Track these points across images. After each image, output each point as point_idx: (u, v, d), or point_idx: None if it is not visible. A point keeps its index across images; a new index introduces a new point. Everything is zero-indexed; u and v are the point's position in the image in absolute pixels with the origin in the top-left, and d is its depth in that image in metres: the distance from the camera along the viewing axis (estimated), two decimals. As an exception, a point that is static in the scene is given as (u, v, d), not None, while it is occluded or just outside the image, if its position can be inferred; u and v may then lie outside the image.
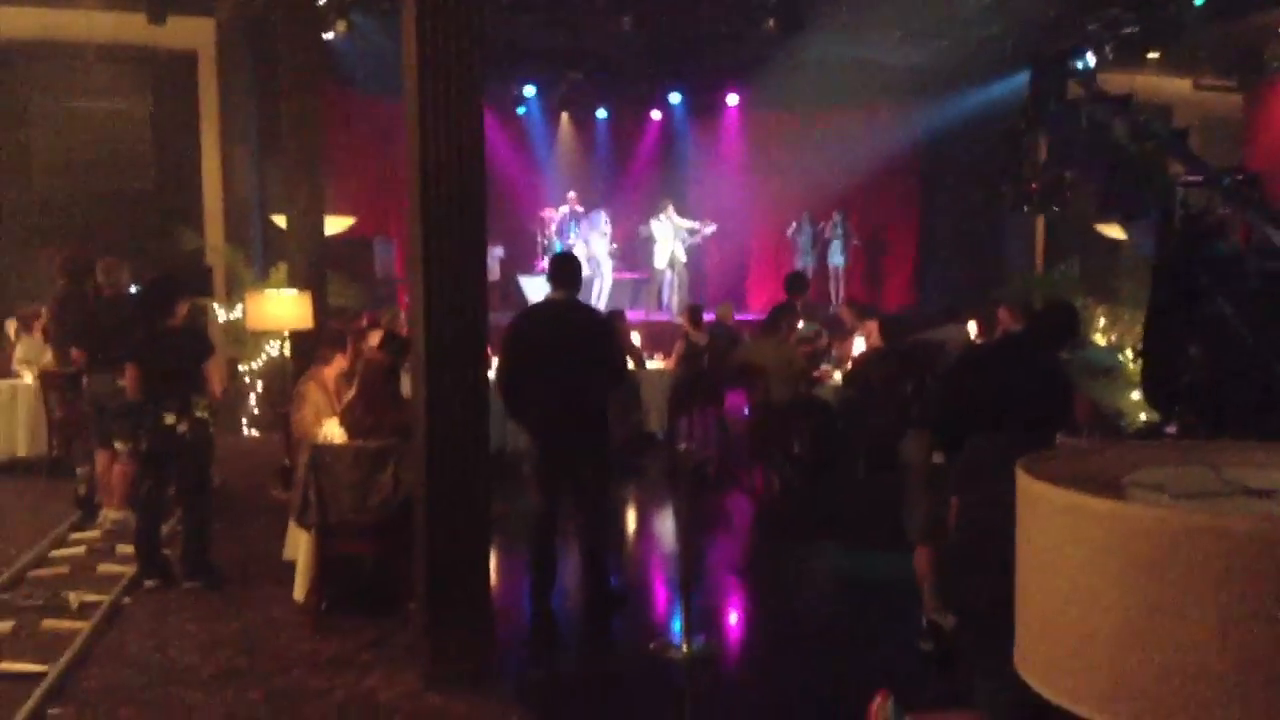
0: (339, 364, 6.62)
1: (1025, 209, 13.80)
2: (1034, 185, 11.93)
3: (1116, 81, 15.77)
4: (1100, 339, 8.16)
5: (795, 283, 10.92)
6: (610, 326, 6.24)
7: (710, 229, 16.63)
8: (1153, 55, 14.29)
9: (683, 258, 16.54)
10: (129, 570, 6.43)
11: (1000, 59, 14.55)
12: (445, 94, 4.79)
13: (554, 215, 17.41)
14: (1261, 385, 4.47)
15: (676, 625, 5.76)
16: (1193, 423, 4.27)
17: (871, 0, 12.73)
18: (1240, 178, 5.18)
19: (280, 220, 11.46)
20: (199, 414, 6.29)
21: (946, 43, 14.24)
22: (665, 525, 8.29)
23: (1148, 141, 7.18)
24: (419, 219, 4.82)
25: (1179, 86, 16.50)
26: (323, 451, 5.62)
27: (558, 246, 17.26)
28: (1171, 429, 4.42)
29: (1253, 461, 1.41)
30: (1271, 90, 15.35)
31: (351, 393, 6.04)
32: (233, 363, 11.76)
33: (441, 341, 4.83)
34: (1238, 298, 4.39)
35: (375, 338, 7.40)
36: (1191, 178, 5.14)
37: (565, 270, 6.13)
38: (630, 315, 15.11)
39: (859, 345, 10.27)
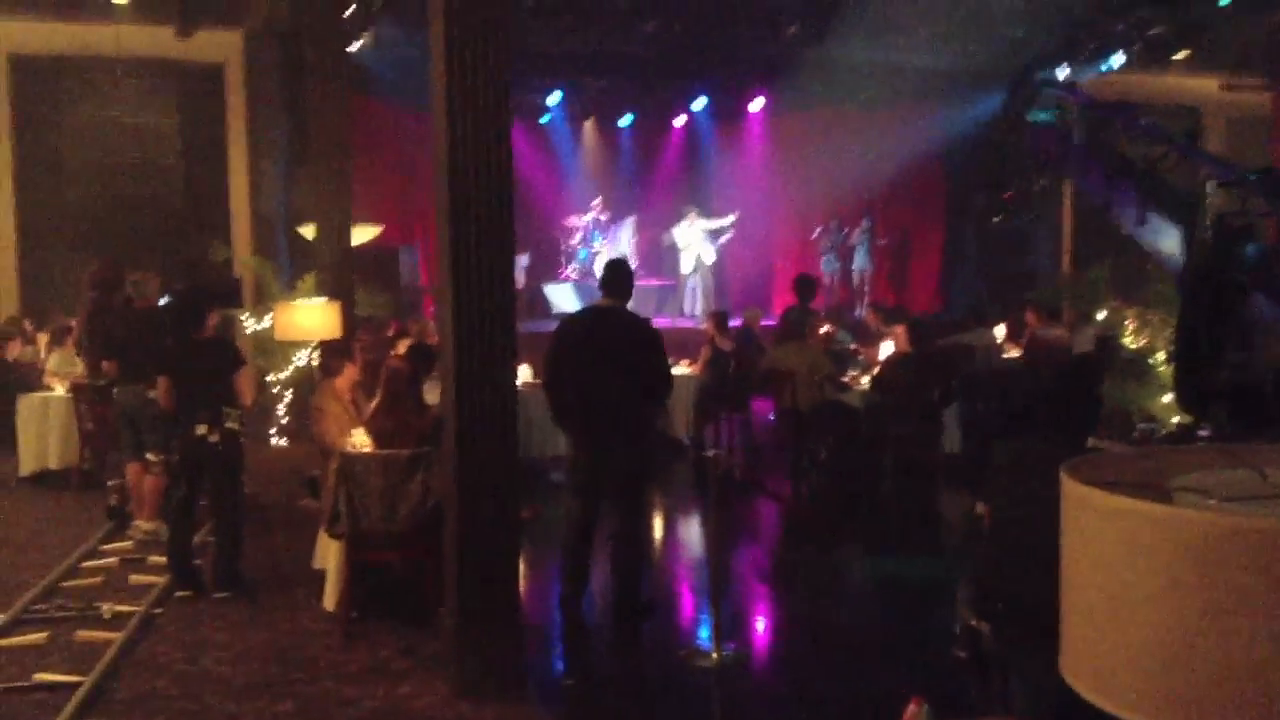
0: (349, 374, 6.64)
1: (996, 218, 13.86)
2: (1008, 194, 11.95)
3: (1144, 82, 15.75)
4: (1130, 342, 8.09)
5: (804, 286, 10.94)
6: (657, 336, 6.19)
7: (732, 218, 16.61)
8: (1180, 55, 14.18)
9: (709, 261, 16.51)
10: (161, 581, 6.47)
11: (1030, 60, 14.48)
12: (474, 103, 4.80)
13: (579, 224, 17.43)
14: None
15: (706, 632, 5.73)
16: (1227, 424, 4.21)
17: (897, 2, 12.70)
18: (1269, 175, 5.12)
19: (307, 231, 11.53)
20: (230, 425, 6.31)
21: (973, 45, 14.17)
22: (693, 532, 8.27)
23: (1157, 146, 7.15)
24: (448, 228, 4.83)
25: (1207, 86, 16.38)
26: (352, 460, 5.63)
27: (582, 255, 17.30)
28: (1205, 431, 4.37)
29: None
30: (1301, 88, 15.18)
31: (375, 401, 6.05)
32: (261, 373, 11.83)
33: (471, 349, 4.84)
34: (1274, 298, 4.35)
35: (403, 346, 7.42)
36: (1217, 177, 5.08)
37: (617, 277, 6.13)
38: (656, 322, 15.11)
39: (885, 349, 10.22)
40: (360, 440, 6.02)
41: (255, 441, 11.05)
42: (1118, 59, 13.83)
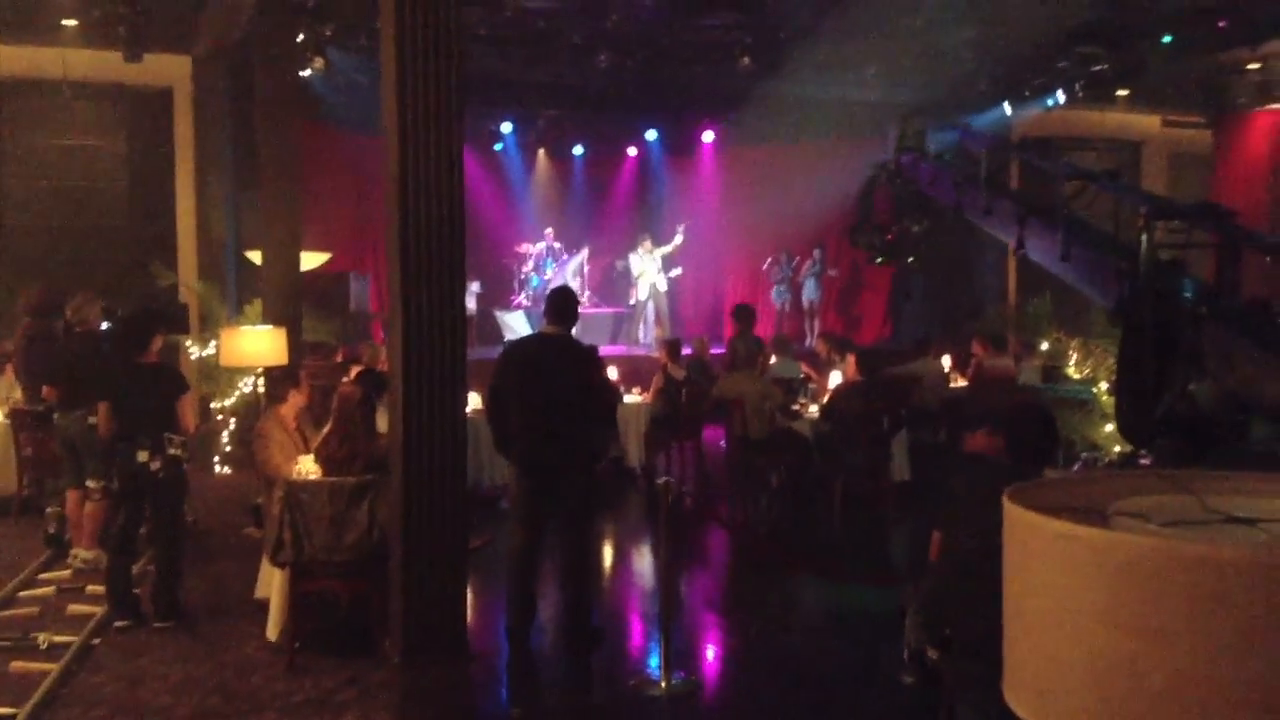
0: (295, 400, 6.56)
1: (879, 260, 14.15)
2: (889, 235, 12.19)
3: (1086, 118, 16.09)
4: (1074, 373, 8.20)
5: (743, 314, 11.07)
6: (600, 362, 6.20)
7: (679, 239, 16.74)
8: (1122, 92, 14.50)
9: (664, 288, 16.58)
10: (99, 610, 6.32)
11: (975, 95, 14.73)
12: (425, 127, 4.79)
13: (531, 251, 17.46)
14: (1234, 414, 4.50)
15: (655, 661, 5.71)
16: (1169, 454, 4.28)
17: (846, 37, 12.87)
18: (1207, 208, 5.24)
19: (255, 256, 11.41)
20: (172, 451, 6.21)
21: (921, 80, 14.40)
22: (644, 560, 8.24)
23: (1074, 180, 7.31)
24: (398, 252, 4.81)
25: (1149, 122, 16.76)
26: (298, 488, 5.56)
27: (534, 282, 17.31)
28: (1145, 460, 4.43)
29: (1235, 489, 1.41)
30: (1238, 125, 15.58)
31: (327, 428, 5.98)
32: (206, 400, 11.67)
33: (420, 375, 4.80)
34: (1210, 331, 4.43)
35: (354, 372, 7.36)
36: (1149, 212, 5.19)
37: (561, 305, 6.10)
38: (610, 349, 15.13)
39: (835, 379, 10.29)
40: (307, 467, 5.95)
41: (199, 469, 10.91)
42: (1061, 95, 14.12)
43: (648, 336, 16.25)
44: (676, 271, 16.76)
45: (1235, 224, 5.02)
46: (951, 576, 4.21)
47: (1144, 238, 4.63)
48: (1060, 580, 1.20)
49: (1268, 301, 4.94)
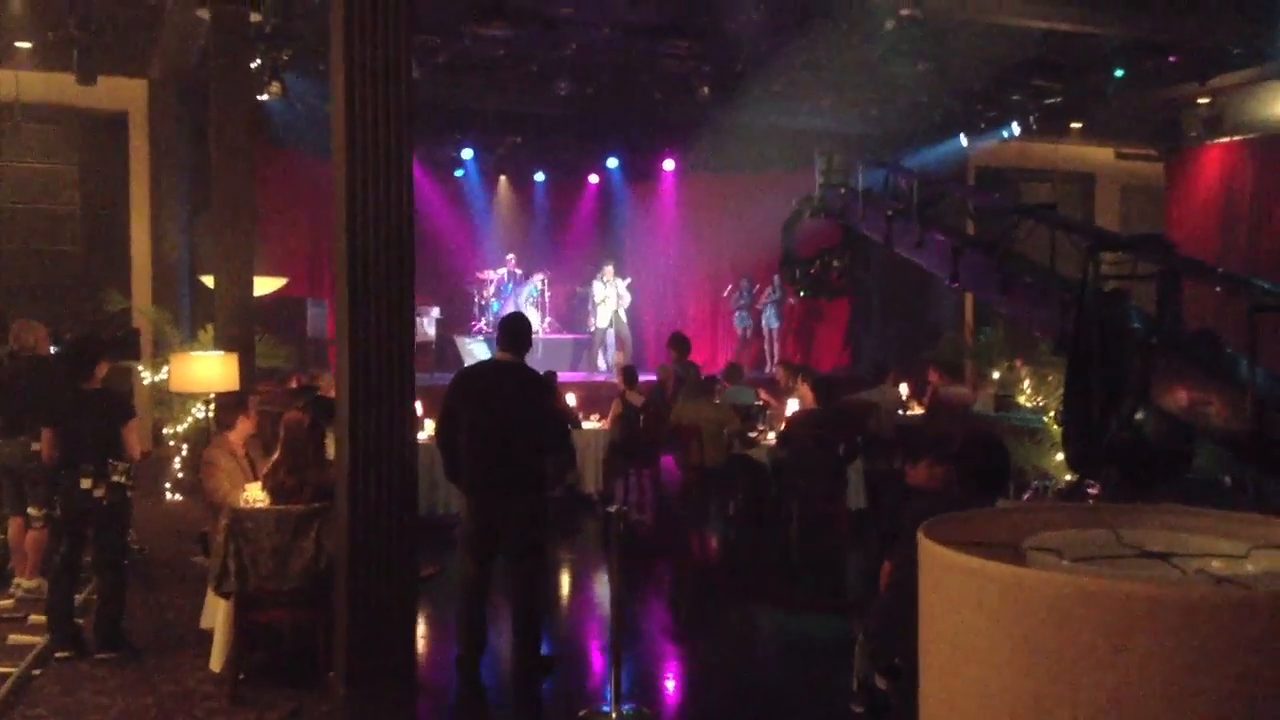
0: (243, 427, 6.46)
1: (802, 294, 14.35)
2: (813, 270, 12.36)
3: (1040, 150, 16.32)
4: (1025, 401, 8.27)
5: (677, 342, 11.20)
6: (552, 390, 6.16)
7: (627, 280, 16.86)
8: (1076, 125, 14.72)
9: (625, 319, 16.60)
10: (41, 641, 6.19)
11: (930, 126, 14.91)
12: (374, 151, 4.78)
13: (492, 277, 17.42)
14: (1180, 443, 4.54)
15: (608, 691, 5.65)
16: (1116, 483, 4.31)
17: (803, 69, 12.99)
18: (1153, 239, 5.32)
19: (210, 281, 11.29)
20: (116, 478, 6.10)
21: (877, 111, 14.56)
22: (599, 588, 8.19)
23: (1011, 216, 7.43)
24: (346, 279, 4.78)
25: (1102, 154, 17.01)
26: (243, 517, 5.47)
27: (495, 308, 17.26)
28: (1094, 489, 4.46)
29: (1151, 523, 1.41)
30: (1190, 159, 15.86)
31: (275, 455, 5.90)
32: (159, 425, 11.51)
33: (367, 401, 4.76)
34: (1158, 360, 4.48)
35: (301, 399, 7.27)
36: (1090, 244, 5.26)
37: (513, 332, 6.05)
38: (570, 376, 15.10)
39: (792, 406, 10.31)
40: (254, 495, 5.86)
41: (149, 496, 10.75)
42: (1015, 128, 14.32)
43: (608, 363, 16.23)
44: (628, 281, 16.83)
45: (1176, 254, 5.09)
46: (899, 606, 4.21)
47: (1088, 269, 4.68)
48: (970, 617, 1.19)
49: (1215, 331, 5.00)
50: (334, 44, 4.90)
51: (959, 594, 1.21)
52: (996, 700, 1.16)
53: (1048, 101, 13.51)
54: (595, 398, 12.28)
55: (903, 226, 9.43)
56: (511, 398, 5.77)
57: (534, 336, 16.54)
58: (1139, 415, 4.34)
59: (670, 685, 6.20)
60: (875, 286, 16.49)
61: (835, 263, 13.47)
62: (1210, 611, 1.05)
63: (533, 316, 17.50)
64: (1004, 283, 7.18)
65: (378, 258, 4.78)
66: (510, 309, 16.87)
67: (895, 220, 9.66)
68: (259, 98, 12.78)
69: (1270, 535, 1.34)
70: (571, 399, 11.24)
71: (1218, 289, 5.38)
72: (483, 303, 17.50)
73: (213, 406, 8.60)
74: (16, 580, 7.32)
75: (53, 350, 7.75)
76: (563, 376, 13.60)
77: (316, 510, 5.46)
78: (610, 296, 16.46)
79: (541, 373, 11.04)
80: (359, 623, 4.75)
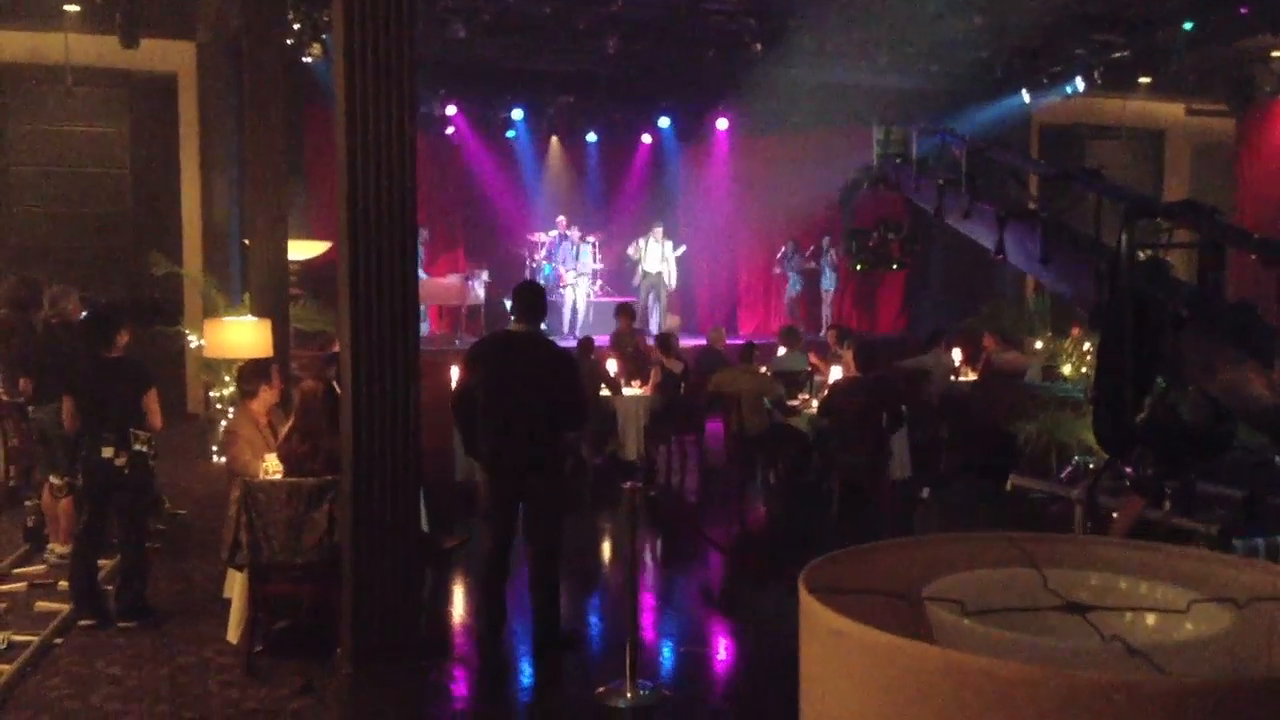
0: (265, 396, 6.36)
1: (859, 267, 13.88)
2: (871, 242, 11.94)
3: (1108, 106, 15.70)
4: (1070, 372, 7.93)
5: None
6: (573, 364, 5.96)
7: (680, 250, 16.56)
8: (1144, 80, 14.12)
9: (670, 284, 16.34)
10: (66, 608, 6.21)
11: (990, 82, 14.41)
12: (375, 106, 4.64)
13: (543, 239, 17.27)
14: (1219, 424, 4.26)
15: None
16: (1150, 464, 4.05)
17: (857, 24, 12.60)
18: (1189, 206, 4.99)
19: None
20: (138, 447, 6.08)
21: (935, 67, 14.08)
22: (625, 563, 8.04)
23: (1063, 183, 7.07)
24: (347, 240, 4.66)
25: (1172, 110, 16.35)
26: (255, 489, 5.40)
27: (547, 270, 17.12)
28: (1129, 469, 4.21)
29: (1090, 559, 1.21)
30: (1263, 114, 15.18)
31: (289, 423, 5.83)
32: (207, 387, 11.58)
33: (370, 364, 4.64)
34: (1192, 335, 4.20)
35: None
36: (1130, 211, 4.94)
37: (528, 301, 5.88)
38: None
39: (836, 373, 10.06)
40: (274, 466, 5.80)
41: (195, 458, 10.85)
42: (1080, 83, 13.77)
43: (651, 325, 15.98)
44: (681, 250, 16.53)
45: (1217, 221, 4.75)
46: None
47: (1122, 237, 4.39)
48: (840, 679, 1.01)
49: (1253, 303, 4.68)
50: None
51: (827, 653, 1.02)
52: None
53: (1113, 55, 12.95)
54: (638, 363, 12.04)
55: (954, 196, 9.09)
56: (526, 371, 5.61)
57: (587, 299, 16.62)
58: (1170, 393, 4.07)
59: (689, 666, 6.03)
60: (935, 251, 16.07)
61: (891, 235, 13.11)
62: (1100, 706, 0.85)
63: (585, 281, 17.34)
64: (1044, 253, 6.84)
65: (380, 220, 4.64)
66: (567, 270, 16.75)
67: (946, 190, 9.31)
68: (304, 59, 12.74)
69: (1223, 583, 1.13)
70: (613, 365, 11.07)
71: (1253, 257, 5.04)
72: (533, 265, 17.37)
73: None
74: (50, 545, 7.38)
75: (85, 316, 7.75)
76: (604, 340, 13.43)
77: (328, 483, 5.36)
78: (654, 258, 16.18)
79: (577, 344, 10.97)
80: (362, 599, 4.66)
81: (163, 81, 13.55)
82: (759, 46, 13.24)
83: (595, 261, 17.06)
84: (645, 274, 16.18)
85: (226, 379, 10.92)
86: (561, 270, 16.69)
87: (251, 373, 6.49)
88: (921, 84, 14.54)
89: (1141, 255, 4.86)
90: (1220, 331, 4.29)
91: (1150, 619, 1.06)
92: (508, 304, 15.88)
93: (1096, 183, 6.37)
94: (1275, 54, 13.54)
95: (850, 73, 14.07)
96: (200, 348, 11.47)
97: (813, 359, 11.37)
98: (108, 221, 13.38)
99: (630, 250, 16.56)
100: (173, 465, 9.76)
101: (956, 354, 11.71)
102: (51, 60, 12.63)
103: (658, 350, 10.65)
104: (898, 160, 12.98)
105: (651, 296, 16.18)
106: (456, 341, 14.57)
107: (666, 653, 6.07)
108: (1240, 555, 1.12)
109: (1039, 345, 9.04)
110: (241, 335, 8.21)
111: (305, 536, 5.37)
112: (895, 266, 14.56)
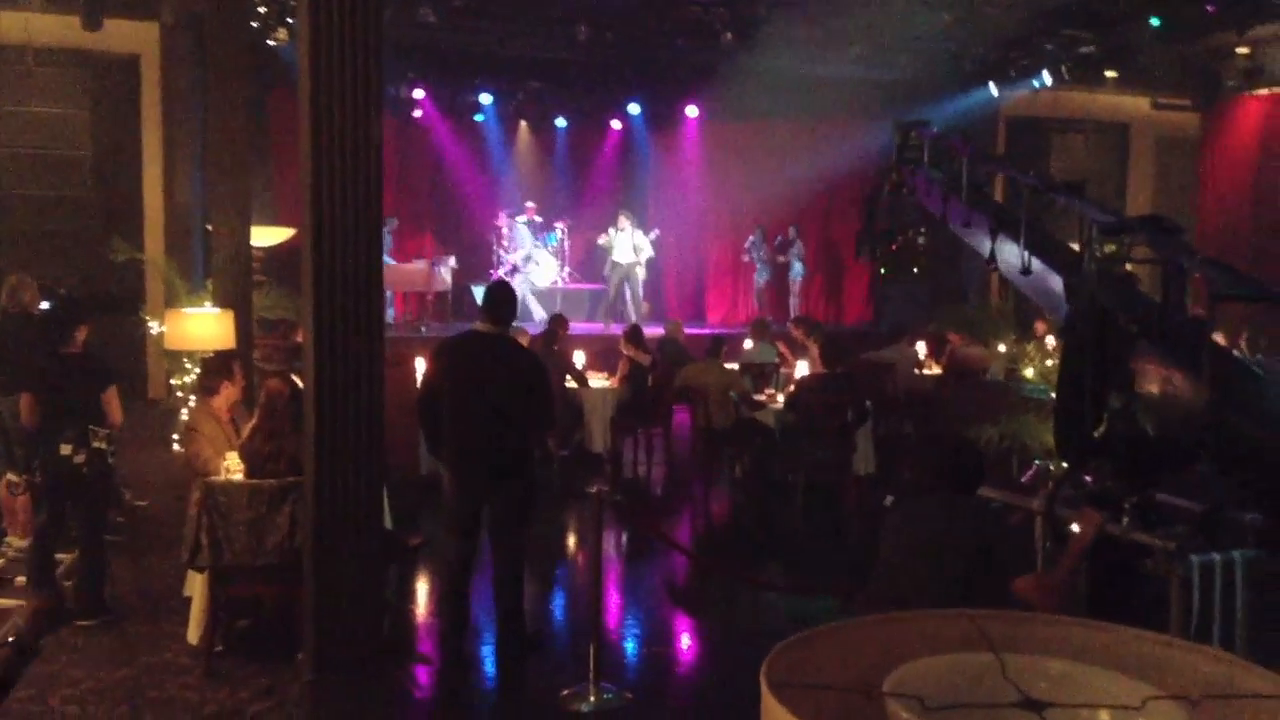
0: (228, 393, 6.29)
1: (883, 270, 13.89)
2: (894, 246, 11.94)
3: (1074, 100, 15.79)
4: (1031, 376, 7.99)
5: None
6: (543, 371, 5.89)
7: (655, 234, 16.45)
8: (1110, 74, 14.21)
9: (641, 275, 16.26)
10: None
11: (959, 76, 14.45)
12: (340, 87, 4.57)
13: (510, 224, 17.19)
14: (1188, 435, 4.30)
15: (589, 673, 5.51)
16: (1110, 476, 4.08)
17: (829, 15, 12.59)
18: (1153, 222, 5.02)
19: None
20: (97, 444, 6.01)
21: (904, 58, 14.10)
22: (589, 564, 8.03)
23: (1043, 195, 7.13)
24: (311, 228, 4.60)
25: (1138, 105, 16.47)
26: (216, 490, 5.34)
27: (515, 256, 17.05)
28: (1089, 478, 4.24)
29: (1050, 644, 1.20)
30: (1228, 110, 15.33)
31: (253, 421, 5.77)
32: (167, 376, 11.44)
33: (334, 355, 4.58)
34: (1144, 350, 4.23)
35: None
36: (1099, 226, 4.97)
37: (499, 302, 5.81)
38: (586, 328, 14.87)
39: (802, 367, 10.09)
40: (235, 464, 5.74)
41: (156, 446, 10.71)
42: (1047, 77, 13.85)
43: (637, 314, 15.89)
44: (649, 252, 16.40)
45: (1176, 239, 4.78)
46: (884, 591, 4.06)
47: (1089, 253, 4.41)
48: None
49: (1203, 319, 4.71)
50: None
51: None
52: None
53: (1081, 50, 13.03)
54: (607, 353, 12.03)
55: (957, 203, 9.16)
56: (493, 374, 5.57)
57: (554, 286, 16.53)
58: (1125, 406, 4.10)
59: (652, 669, 6.02)
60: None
61: (920, 239, 13.10)
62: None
63: (552, 265, 17.29)
64: (1024, 263, 6.90)
65: (345, 207, 4.57)
66: (536, 256, 16.67)
67: (949, 198, 9.38)
68: (269, 42, 12.58)
69: (1181, 672, 1.13)
70: (580, 356, 11.05)
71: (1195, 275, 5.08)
72: (501, 251, 17.29)
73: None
74: (8, 539, 7.28)
75: (44, 306, 7.64)
76: (577, 328, 13.39)
77: (291, 484, 5.31)
78: (624, 246, 16.09)
79: (549, 319, 10.90)
80: (325, 602, 4.63)
81: (126, 63, 13.33)
82: (730, 35, 13.21)
83: (563, 248, 17.01)
84: (615, 264, 16.08)
85: (188, 365, 10.82)
86: (529, 258, 16.68)
87: (214, 369, 6.42)
88: (891, 75, 14.55)
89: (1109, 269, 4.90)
90: (1163, 347, 4.32)
91: (1105, 716, 1.06)
92: (477, 293, 16.05)
93: (1076, 198, 6.42)
94: (1239, 51, 13.66)
95: (820, 63, 14.07)
96: (162, 334, 11.35)
97: (782, 348, 11.40)
98: (68, 205, 13.17)
99: (601, 240, 16.46)
100: (134, 453, 9.65)
101: (921, 347, 11.79)
102: (12, 40, 12.39)
103: (626, 342, 10.62)
104: (912, 165, 12.98)
105: (625, 285, 16.10)
106: (423, 329, 14.46)
107: (630, 654, 6.07)
108: (1199, 645, 1.10)
109: (1002, 348, 9.10)
110: (203, 327, 8.11)
111: (267, 539, 5.31)
112: (915, 270, 14.56)
